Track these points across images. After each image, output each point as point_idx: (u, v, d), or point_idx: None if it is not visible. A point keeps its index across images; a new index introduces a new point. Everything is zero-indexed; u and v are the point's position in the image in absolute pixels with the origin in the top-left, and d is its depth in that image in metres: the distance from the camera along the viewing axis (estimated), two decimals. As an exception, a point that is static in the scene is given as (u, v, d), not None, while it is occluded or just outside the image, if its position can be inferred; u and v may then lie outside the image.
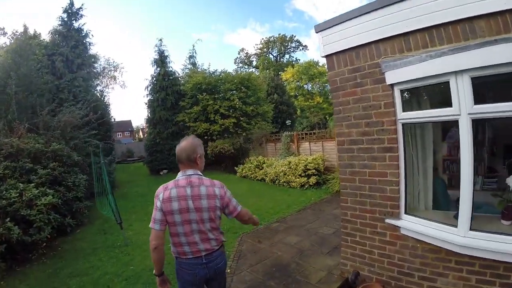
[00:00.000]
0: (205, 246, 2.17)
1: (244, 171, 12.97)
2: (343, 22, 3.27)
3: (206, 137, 15.19)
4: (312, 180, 9.86)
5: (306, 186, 9.87)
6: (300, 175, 10.11)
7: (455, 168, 3.46)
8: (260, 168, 12.38)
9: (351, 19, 3.21)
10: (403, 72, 2.92)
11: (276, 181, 10.94)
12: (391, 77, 3.01)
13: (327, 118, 31.90)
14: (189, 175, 2.17)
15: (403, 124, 3.03)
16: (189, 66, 19.01)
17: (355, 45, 3.20)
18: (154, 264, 2.18)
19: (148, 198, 10.14)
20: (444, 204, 3.48)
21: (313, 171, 10.00)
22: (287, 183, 10.43)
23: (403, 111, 3.02)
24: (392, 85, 3.02)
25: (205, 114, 15.63)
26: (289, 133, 13.21)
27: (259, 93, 17.30)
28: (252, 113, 16.23)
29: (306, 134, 12.65)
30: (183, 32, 73.78)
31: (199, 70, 17.34)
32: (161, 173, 16.11)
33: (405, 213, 3.14)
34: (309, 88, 38.34)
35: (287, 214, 6.88)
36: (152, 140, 16.38)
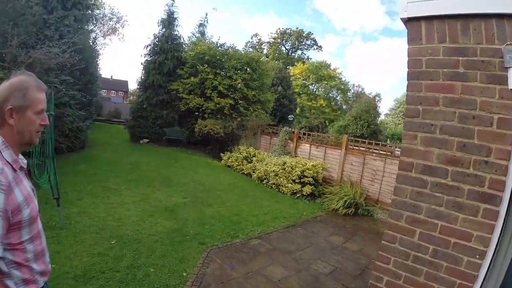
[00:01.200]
0: None
1: (230, 160, 11.68)
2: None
3: (197, 113, 14.16)
4: (307, 189, 8.60)
5: (298, 195, 8.62)
6: (294, 180, 8.83)
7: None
8: (249, 161, 11.07)
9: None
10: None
11: (264, 181, 9.67)
12: (520, 78, 1.74)
13: (327, 123, 31.00)
14: None
15: (521, 162, 1.76)
16: (198, 35, 17.62)
17: (464, 13, 1.90)
18: None
19: (115, 168, 8.81)
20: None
21: (310, 179, 8.73)
22: (276, 186, 9.17)
23: (528, 139, 1.75)
24: (518, 92, 1.75)
25: (201, 88, 14.46)
26: (289, 129, 11.89)
27: (265, 78, 15.97)
28: (253, 98, 15.01)
29: (308, 134, 11.33)
30: (200, 3, 70.95)
31: (206, 41, 15.92)
32: (141, 141, 14.92)
33: (475, 302, 1.91)
34: (314, 89, 37.48)
35: (272, 229, 5.60)
36: (139, 104, 15.28)
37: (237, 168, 11.15)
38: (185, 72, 14.72)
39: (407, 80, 2.01)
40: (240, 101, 14.45)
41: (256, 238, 5.04)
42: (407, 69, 2.02)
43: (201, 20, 18.16)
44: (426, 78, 1.94)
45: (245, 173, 10.69)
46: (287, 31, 43.85)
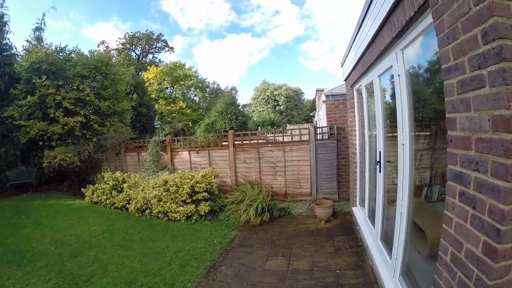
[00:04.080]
0: None
1: (95, 195, 9.23)
2: None
3: (42, 143, 11.35)
4: (204, 207, 7.19)
5: (195, 218, 7.13)
6: (184, 201, 7.28)
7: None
8: (119, 190, 8.87)
9: None
10: None
11: (147, 211, 7.74)
12: None
13: (191, 125, 30.19)
14: None
15: None
16: (34, 42, 13.80)
17: None
18: None
19: None
20: None
21: (204, 194, 7.34)
22: (164, 214, 7.41)
23: None
24: None
25: (42, 109, 11.43)
26: (159, 138, 10.11)
27: (118, 85, 13.69)
28: (108, 110, 12.64)
29: (184, 140, 9.81)
30: (34, 8, 56.57)
31: (44, 49, 12.61)
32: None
33: None
34: (171, 92, 37.14)
35: (191, 287, 4.01)
36: None
37: (107, 203, 8.83)
38: (20, 91, 11.31)
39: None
40: (92, 117, 12.11)
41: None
42: None
43: (38, 23, 14.18)
44: None
45: (119, 207, 8.51)
46: (136, 35, 42.44)
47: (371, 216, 4.72)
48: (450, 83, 1.75)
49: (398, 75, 3.06)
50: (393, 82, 3.28)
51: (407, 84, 2.96)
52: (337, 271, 4.01)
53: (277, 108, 36.10)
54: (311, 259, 4.48)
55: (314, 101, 37.23)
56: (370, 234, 4.44)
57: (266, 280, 3.96)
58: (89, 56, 13.11)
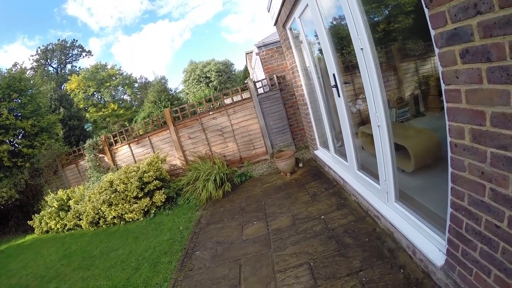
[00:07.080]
0: None
1: (44, 223, 7.92)
2: None
3: None
4: (159, 197, 6.34)
5: (154, 211, 6.30)
6: (136, 196, 6.35)
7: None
8: (67, 209, 7.65)
9: None
10: None
11: (101, 221, 6.74)
12: None
13: (127, 124, 28.02)
14: None
15: None
16: None
17: None
18: None
19: None
20: None
21: (156, 182, 6.46)
22: (120, 218, 6.46)
23: None
24: None
25: None
26: (93, 140, 8.78)
27: (39, 98, 12.00)
28: (33, 129, 11.13)
29: (120, 134, 8.54)
30: None
31: None
32: None
33: None
34: (99, 98, 34.91)
35: (171, 285, 3.27)
36: None
37: (58, 228, 7.64)
38: None
39: None
40: (19, 141, 11.05)
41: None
42: None
43: None
44: None
45: (71, 227, 7.40)
46: (48, 47, 37.71)
47: (340, 151, 4.29)
48: None
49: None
50: None
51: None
52: (322, 217, 3.53)
53: (210, 84, 34.62)
54: (290, 213, 3.95)
55: (245, 69, 36.40)
56: (344, 169, 3.99)
57: (250, 250, 3.35)
58: None
